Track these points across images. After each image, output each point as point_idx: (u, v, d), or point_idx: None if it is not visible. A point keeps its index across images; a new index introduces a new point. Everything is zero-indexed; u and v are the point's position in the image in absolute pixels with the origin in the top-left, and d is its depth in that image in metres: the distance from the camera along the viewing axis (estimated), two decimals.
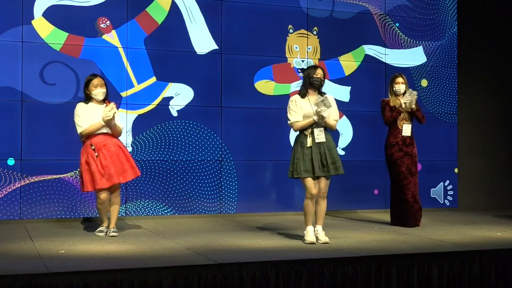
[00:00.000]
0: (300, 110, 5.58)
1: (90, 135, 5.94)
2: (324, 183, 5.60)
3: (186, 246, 5.37)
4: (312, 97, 5.63)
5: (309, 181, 5.53)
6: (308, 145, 5.55)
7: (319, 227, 5.65)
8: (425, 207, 8.47)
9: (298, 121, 5.59)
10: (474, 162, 9.06)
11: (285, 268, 4.59)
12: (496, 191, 9.08)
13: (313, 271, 4.65)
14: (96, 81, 6.01)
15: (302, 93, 5.66)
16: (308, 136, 5.57)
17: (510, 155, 9.26)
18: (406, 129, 6.83)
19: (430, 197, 8.72)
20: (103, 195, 5.93)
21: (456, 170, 8.86)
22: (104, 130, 5.97)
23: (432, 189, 8.73)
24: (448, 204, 8.79)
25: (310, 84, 5.64)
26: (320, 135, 5.56)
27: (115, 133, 6.06)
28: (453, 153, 8.87)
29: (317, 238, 5.60)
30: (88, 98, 6.02)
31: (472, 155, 9.05)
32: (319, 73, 5.65)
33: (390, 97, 6.90)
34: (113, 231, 5.97)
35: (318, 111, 5.49)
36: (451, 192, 8.82)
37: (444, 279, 4.98)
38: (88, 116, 5.93)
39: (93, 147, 5.90)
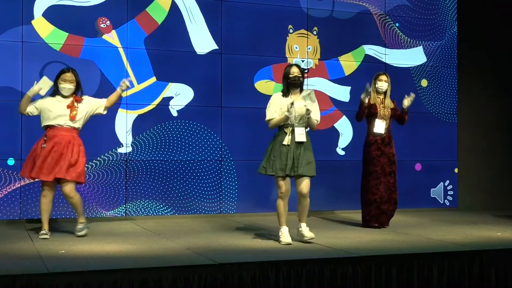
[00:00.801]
0: (278, 108, 5.55)
1: (50, 126, 5.86)
2: (305, 183, 5.55)
3: (186, 246, 5.37)
4: (294, 96, 5.63)
5: (281, 180, 5.53)
6: (285, 143, 5.52)
7: (303, 225, 5.62)
8: (425, 207, 8.51)
9: (273, 118, 5.58)
10: (474, 162, 9.06)
11: (285, 268, 4.59)
12: (496, 191, 9.08)
13: (313, 271, 4.65)
14: (68, 75, 5.93)
15: (284, 92, 5.66)
16: (288, 134, 5.55)
17: (510, 155, 9.26)
18: (379, 126, 6.72)
19: (430, 197, 8.72)
20: (45, 189, 5.86)
21: (456, 170, 8.86)
22: (61, 122, 5.85)
23: (432, 189, 8.73)
24: (448, 204, 8.79)
25: (288, 84, 5.64)
26: (301, 135, 5.54)
27: (111, 102, 6.14)
28: (453, 153, 8.87)
29: (302, 236, 5.57)
30: (56, 90, 5.95)
31: (472, 155, 9.06)
32: (294, 71, 5.64)
33: (372, 94, 6.84)
34: (80, 229, 5.90)
35: (304, 104, 5.46)
36: (451, 192, 8.82)
37: (444, 279, 4.98)
38: (49, 108, 5.87)
39: (45, 138, 5.86)
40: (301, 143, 5.53)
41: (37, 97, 5.96)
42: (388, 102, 6.82)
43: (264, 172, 5.61)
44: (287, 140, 5.52)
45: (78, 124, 5.95)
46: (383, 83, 6.80)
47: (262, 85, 8.00)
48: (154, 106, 7.54)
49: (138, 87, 7.49)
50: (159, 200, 7.52)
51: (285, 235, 5.54)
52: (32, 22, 7.11)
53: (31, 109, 5.95)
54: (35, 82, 5.91)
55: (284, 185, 5.53)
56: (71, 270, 4.23)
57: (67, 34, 7.23)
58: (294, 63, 5.75)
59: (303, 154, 5.52)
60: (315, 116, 5.61)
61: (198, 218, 7.48)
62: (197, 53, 7.74)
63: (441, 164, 8.77)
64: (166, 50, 7.61)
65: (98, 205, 7.26)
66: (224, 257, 4.77)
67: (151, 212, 7.48)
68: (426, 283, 4.94)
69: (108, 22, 7.39)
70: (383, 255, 5.00)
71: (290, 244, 5.48)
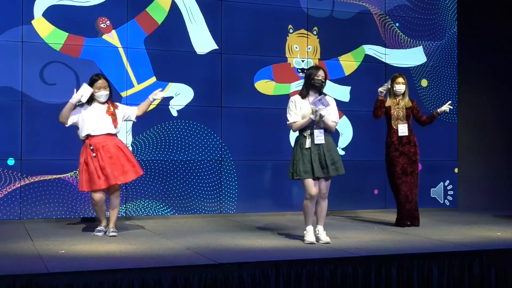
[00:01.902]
0: (299, 110, 5.58)
1: (90, 135, 5.92)
2: (324, 184, 5.61)
3: (186, 246, 5.37)
4: (312, 98, 5.63)
5: (308, 182, 5.53)
6: (307, 146, 5.55)
7: (320, 227, 5.66)
8: (425, 207, 8.50)
9: (296, 122, 5.60)
10: (474, 162, 9.06)
11: (285, 268, 4.59)
12: (496, 191, 9.08)
13: (313, 271, 4.65)
14: (100, 83, 5.99)
15: (303, 94, 5.66)
16: (307, 137, 5.57)
17: (510, 155, 9.26)
18: (402, 129, 6.80)
19: (430, 197, 8.72)
20: (97, 196, 5.93)
21: (456, 170, 8.86)
22: (105, 131, 5.96)
23: (432, 189, 8.73)
24: (448, 204, 8.79)
25: (311, 85, 5.64)
26: (319, 137, 5.55)
27: (143, 111, 6.27)
28: (453, 153, 8.87)
29: (318, 238, 5.61)
30: (91, 99, 6.01)
31: (472, 155, 9.06)
32: (320, 74, 5.64)
33: (388, 97, 6.88)
34: (112, 231, 5.97)
35: (316, 110, 5.48)
36: (451, 192, 8.82)
37: (444, 279, 4.98)
38: (88, 118, 5.94)
39: (91, 148, 5.90)
40: (320, 145, 5.55)
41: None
42: (405, 102, 6.84)
43: (291, 177, 5.65)
44: (307, 143, 5.55)
45: (118, 130, 6.10)
46: (400, 86, 6.83)
47: (262, 85, 8.00)
48: (154, 106, 7.54)
49: (138, 87, 7.49)
50: (159, 200, 7.52)
51: (310, 234, 5.58)
52: (32, 22, 7.11)
53: (73, 121, 5.98)
54: (75, 90, 5.96)
55: (312, 187, 5.54)
56: (71, 270, 4.23)
57: (67, 34, 7.23)
58: (320, 67, 5.77)
59: (328, 155, 5.56)
60: (332, 118, 5.62)
61: (198, 218, 7.48)
62: (197, 53, 7.74)
63: (441, 164, 8.77)
64: (166, 50, 7.61)
65: None
66: (224, 257, 4.77)
67: (151, 212, 7.48)
68: (426, 283, 4.94)
69: (108, 22, 7.40)
70: (383, 255, 4.99)
71: (314, 243, 5.51)
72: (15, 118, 7.00)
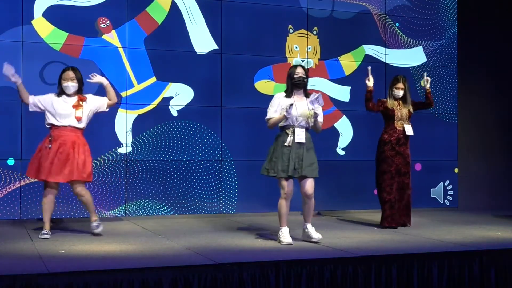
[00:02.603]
0: (279, 108, 5.56)
1: (54, 126, 5.87)
2: (309, 183, 5.56)
3: (186, 246, 5.37)
4: (298, 96, 5.62)
5: (284, 181, 5.53)
6: (287, 144, 5.52)
7: (309, 225, 5.63)
8: (425, 207, 8.51)
9: (271, 118, 5.59)
10: (474, 162, 9.06)
11: (285, 268, 4.59)
12: (496, 191, 9.08)
13: (313, 271, 4.65)
14: (67, 74, 5.95)
15: (287, 93, 5.65)
16: (290, 135, 5.55)
17: (510, 155, 9.26)
18: (409, 129, 6.80)
19: (430, 197, 8.72)
20: (48, 191, 5.86)
21: (456, 170, 8.86)
22: (67, 123, 5.88)
23: (432, 189, 8.73)
24: (448, 204, 8.79)
25: (293, 84, 5.63)
26: (300, 135, 5.54)
27: (111, 97, 6.12)
28: (453, 153, 8.87)
29: (309, 237, 5.58)
30: (61, 91, 5.97)
31: (472, 155, 9.06)
32: (300, 72, 5.63)
33: (388, 99, 6.87)
34: (95, 226, 5.95)
35: (312, 109, 5.50)
36: (451, 192, 8.82)
37: (444, 279, 4.98)
38: (54, 107, 5.90)
39: (50, 138, 5.87)
40: (302, 144, 5.53)
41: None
42: (409, 106, 6.83)
43: (267, 174, 5.63)
44: (288, 141, 5.52)
45: (83, 125, 5.98)
46: (399, 91, 6.80)
47: (262, 85, 8.00)
48: (154, 106, 7.54)
49: (138, 87, 7.49)
50: (159, 200, 7.52)
51: (285, 236, 5.55)
52: (32, 22, 7.11)
53: (34, 103, 5.97)
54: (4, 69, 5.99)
55: (287, 186, 5.54)
56: (71, 270, 4.23)
57: (67, 34, 7.23)
58: (299, 63, 5.75)
59: (306, 155, 5.53)
60: (320, 118, 5.63)
61: (198, 218, 7.48)
62: (197, 53, 7.74)
63: (441, 164, 8.77)
64: (166, 50, 7.61)
65: (98, 205, 7.25)
66: (224, 257, 4.77)
67: (151, 212, 7.48)
68: (426, 283, 4.94)
69: (108, 22, 7.39)
70: (383, 255, 5.00)
71: (291, 244, 5.48)
72: (15, 118, 7.00)
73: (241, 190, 7.84)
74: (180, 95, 7.65)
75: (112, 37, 7.42)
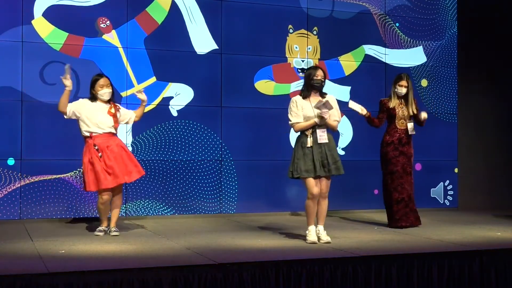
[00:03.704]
0: (301, 111, 5.59)
1: (92, 133, 5.93)
2: (325, 183, 5.61)
3: (186, 246, 5.37)
4: (314, 98, 5.65)
5: (310, 181, 5.54)
6: (309, 145, 5.56)
7: (320, 227, 5.66)
8: (425, 207, 8.50)
9: (299, 122, 5.61)
10: (474, 162, 9.06)
11: (285, 268, 4.59)
12: (496, 191, 9.08)
13: (313, 271, 4.65)
14: (102, 81, 6.03)
15: (304, 94, 5.67)
16: (309, 136, 5.58)
17: (510, 155, 9.26)
18: (411, 128, 6.81)
19: (430, 197, 8.72)
20: (106, 196, 5.95)
21: (456, 170, 8.86)
22: (107, 131, 5.98)
23: (432, 189, 8.73)
24: (448, 204, 8.79)
25: (311, 85, 5.65)
26: (322, 136, 5.58)
27: (139, 116, 6.35)
28: (453, 153, 8.87)
29: (319, 238, 5.61)
30: (94, 98, 6.04)
31: (472, 155, 9.06)
32: (319, 74, 5.66)
33: (392, 97, 6.85)
34: (114, 231, 5.98)
35: (319, 113, 5.52)
36: (451, 192, 8.82)
37: (444, 279, 4.98)
38: (91, 115, 5.96)
39: (96, 147, 5.91)
40: (323, 144, 5.56)
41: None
42: (411, 106, 6.81)
43: (291, 176, 5.65)
44: (309, 142, 5.56)
45: (117, 132, 6.16)
46: (402, 89, 6.78)
47: (262, 85, 8.00)
48: (154, 106, 7.54)
49: (138, 87, 7.49)
50: (159, 200, 7.52)
51: (312, 234, 5.59)
52: (32, 22, 7.11)
53: (70, 113, 6.00)
54: (61, 77, 6.01)
55: (314, 186, 5.55)
56: (71, 270, 4.23)
57: (67, 34, 7.23)
58: (319, 66, 5.80)
59: (329, 155, 5.57)
60: (334, 117, 5.64)
61: (198, 218, 7.48)
62: (197, 53, 7.74)
63: (441, 164, 8.77)
64: (166, 50, 7.61)
65: None
66: (224, 257, 4.77)
67: (151, 212, 7.48)
68: (426, 283, 4.94)
69: (108, 22, 7.40)
70: (383, 255, 4.99)
71: (316, 243, 5.52)
72: (15, 118, 7.00)
73: (241, 190, 7.84)
74: (180, 95, 7.65)
75: (112, 37, 7.42)
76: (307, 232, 5.64)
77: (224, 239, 5.79)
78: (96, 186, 5.90)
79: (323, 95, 5.69)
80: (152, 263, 4.53)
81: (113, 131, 6.05)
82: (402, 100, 6.83)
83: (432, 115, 8.71)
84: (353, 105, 6.74)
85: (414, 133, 6.83)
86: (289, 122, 5.67)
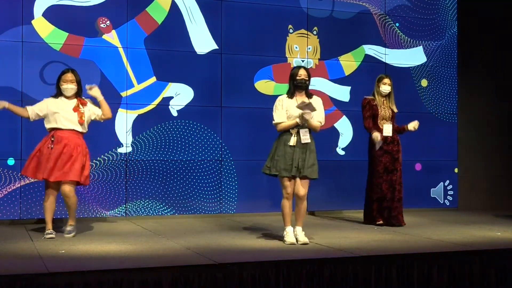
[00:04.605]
0: (285, 111, 5.58)
1: (55, 128, 5.87)
2: (301, 185, 5.56)
3: (186, 246, 5.37)
4: (300, 97, 5.64)
5: (287, 180, 5.53)
6: (292, 143, 5.53)
7: (298, 228, 5.62)
8: (425, 207, 8.51)
9: (282, 122, 5.60)
10: (474, 162, 9.06)
11: (285, 268, 4.59)
12: (496, 191, 9.08)
13: (313, 271, 4.64)
14: (68, 76, 5.94)
15: (289, 94, 5.67)
16: (293, 135, 5.56)
17: (510, 155, 9.26)
18: (387, 129, 6.87)
19: (430, 197, 8.72)
20: (48, 195, 5.87)
21: (456, 170, 8.86)
22: (70, 127, 5.88)
23: (432, 189, 8.73)
24: (448, 204, 8.79)
25: (295, 85, 5.65)
26: (305, 136, 5.55)
27: (105, 112, 6.06)
28: (453, 153, 8.87)
29: (297, 240, 5.58)
30: (59, 93, 5.97)
31: (472, 155, 9.05)
32: (302, 73, 5.65)
33: (376, 96, 6.93)
34: (69, 231, 5.91)
35: (301, 114, 5.50)
36: (451, 192, 8.82)
37: (444, 279, 4.98)
38: (55, 110, 5.88)
39: (53, 139, 5.85)
40: (306, 144, 5.55)
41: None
42: (391, 104, 6.94)
43: (268, 172, 5.63)
44: (293, 141, 5.54)
45: (84, 129, 6.00)
46: (386, 87, 6.92)
47: (262, 85, 8.00)
48: (154, 106, 7.54)
49: (138, 87, 7.49)
50: (159, 200, 7.52)
51: (289, 235, 5.57)
52: (32, 22, 7.11)
53: (34, 115, 5.96)
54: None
55: (290, 185, 5.54)
56: (71, 270, 4.23)
57: (67, 34, 7.23)
58: (301, 65, 5.77)
59: (308, 156, 5.55)
60: (317, 118, 5.62)
61: (198, 218, 7.48)
62: (197, 53, 7.74)
63: (441, 164, 8.77)
64: (166, 50, 7.61)
65: (98, 205, 7.26)
66: (224, 257, 4.77)
67: (151, 212, 7.48)
68: (426, 283, 4.94)
69: (108, 22, 7.39)
70: (383, 255, 5.00)
71: (295, 244, 5.50)
72: (15, 118, 6.98)
73: (241, 190, 7.84)
74: (180, 95, 7.65)
75: (112, 37, 7.42)
76: (284, 233, 5.61)
77: (224, 239, 5.79)
78: (33, 174, 5.87)
79: (309, 95, 5.68)
80: (152, 263, 4.53)
81: (78, 128, 5.91)
82: (383, 100, 6.90)
83: (432, 115, 8.72)
84: (377, 144, 6.83)
85: (390, 134, 6.87)
86: (273, 122, 5.66)
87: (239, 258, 4.77)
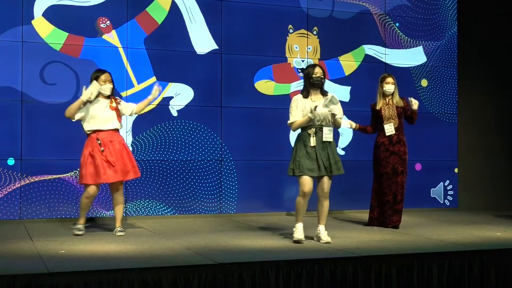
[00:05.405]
0: (300, 111, 5.59)
1: (97, 130, 5.94)
2: (326, 183, 5.61)
3: (186, 246, 5.37)
4: (315, 96, 5.64)
5: (306, 179, 5.53)
6: (312, 144, 5.55)
7: (321, 227, 5.66)
8: (425, 207, 8.52)
9: (294, 121, 5.60)
10: (474, 162, 9.06)
11: (285, 268, 4.59)
12: (496, 191, 9.08)
13: (313, 271, 4.65)
14: (104, 76, 6.05)
15: (305, 93, 5.67)
16: (312, 135, 5.57)
17: (510, 155, 9.26)
18: (388, 129, 6.74)
19: (430, 197, 8.72)
20: (92, 191, 5.93)
21: (456, 170, 8.86)
22: (112, 127, 6.02)
23: (432, 189, 8.73)
24: (448, 204, 8.79)
25: (311, 84, 5.65)
26: (328, 134, 5.58)
27: (142, 109, 6.42)
28: (453, 153, 8.87)
29: (319, 238, 5.61)
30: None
31: (472, 155, 9.06)
32: (318, 72, 5.65)
33: (378, 98, 6.85)
34: (120, 230, 6.01)
35: (329, 110, 5.50)
36: (451, 192, 8.82)
37: (444, 279, 4.98)
38: (94, 113, 5.98)
39: (99, 142, 5.91)
40: (326, 143, 5.56)
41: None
42: (396, 101, 6.79)
43: (292, 174, 5.63)
44: (312, 141, 5.55)
45: (121, 125, 6.20)
46: (390, 86, 6.78)
47: (262, 85, 8.00)
48: (154, 106, 7.54)
49: (138, 87, 7.49)
50: (159, 200, 7.52)
51: (299, 231, 5.58)
52: (32, 22, 7.11)
53: (80, 115, 6.01)
54: (84, 87, 6.02)
55: (308, 184, 5.54)
56: (71, 270, 4.23)
57: (67, 34, 7.23)
58: (316, 63, 5.77)
59: (331, 154, 5.58)
60: (339, 114, 5.66)
61: (198, 218, 7.48)
62: (197, 53, 7.74)
63: (441, 164, 8.77)
64: (166, 50, 7.61)
65: (98, 205, 7.26)
66: (224, 257, 4.77)
67: (151, 212, 7.48)
68: (426, 283, 4.94)
69: (108, 22, 7.40)
70: (383, 255, 5.00)
71: (301, 241, 5.52)
72: (15, 118, 7.00)
73: (241, 190, 7.84)
74: (180, 95, 7.65)
75: (112, 37, 7.42)
76: (294, 229, 5.63)
77: (224, 239, 5.79)
78: (94, 180, 5.89)
79: (324, 93, 5.69)
80: (152, 263, 4.53)
81: (117, 126, 6.08)
82: (388, 99, 6.79)
83: (432, 115, 8.72)
84: (343, 123, 6.73)
85: (393, 133, 6.73)
86: (288, 122, 5.67)
87: (239, 258, 4.77)
